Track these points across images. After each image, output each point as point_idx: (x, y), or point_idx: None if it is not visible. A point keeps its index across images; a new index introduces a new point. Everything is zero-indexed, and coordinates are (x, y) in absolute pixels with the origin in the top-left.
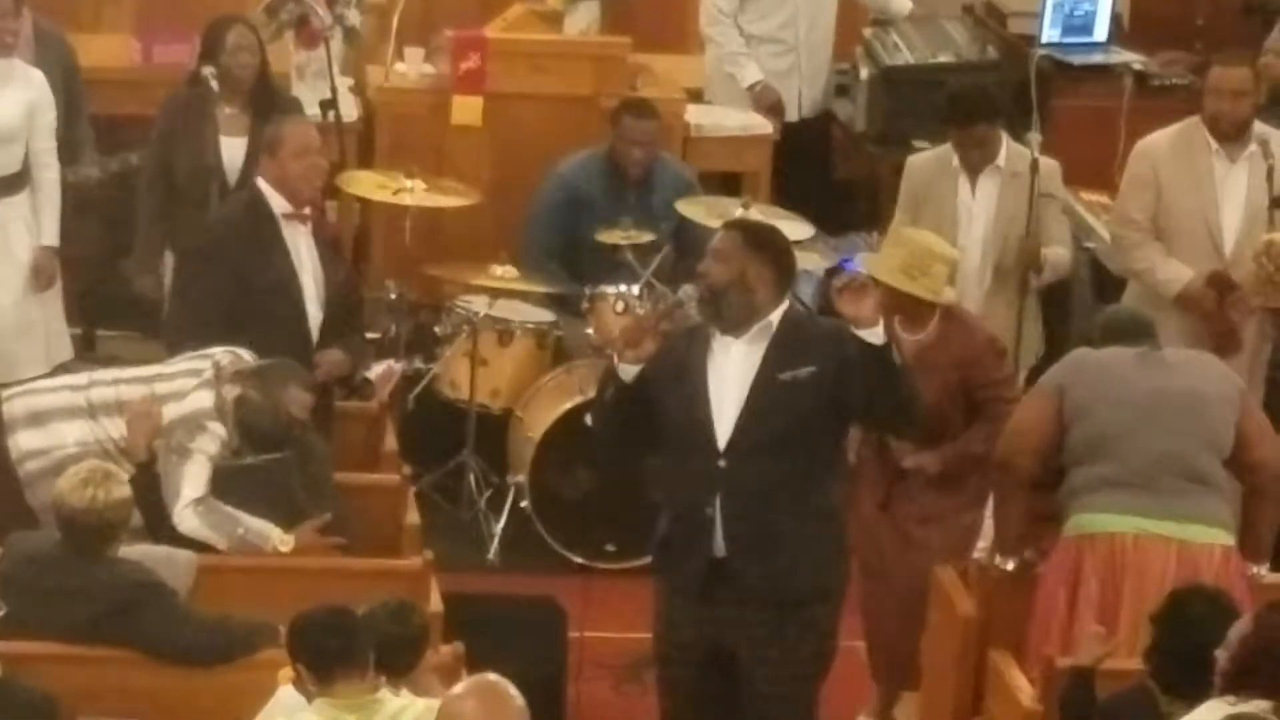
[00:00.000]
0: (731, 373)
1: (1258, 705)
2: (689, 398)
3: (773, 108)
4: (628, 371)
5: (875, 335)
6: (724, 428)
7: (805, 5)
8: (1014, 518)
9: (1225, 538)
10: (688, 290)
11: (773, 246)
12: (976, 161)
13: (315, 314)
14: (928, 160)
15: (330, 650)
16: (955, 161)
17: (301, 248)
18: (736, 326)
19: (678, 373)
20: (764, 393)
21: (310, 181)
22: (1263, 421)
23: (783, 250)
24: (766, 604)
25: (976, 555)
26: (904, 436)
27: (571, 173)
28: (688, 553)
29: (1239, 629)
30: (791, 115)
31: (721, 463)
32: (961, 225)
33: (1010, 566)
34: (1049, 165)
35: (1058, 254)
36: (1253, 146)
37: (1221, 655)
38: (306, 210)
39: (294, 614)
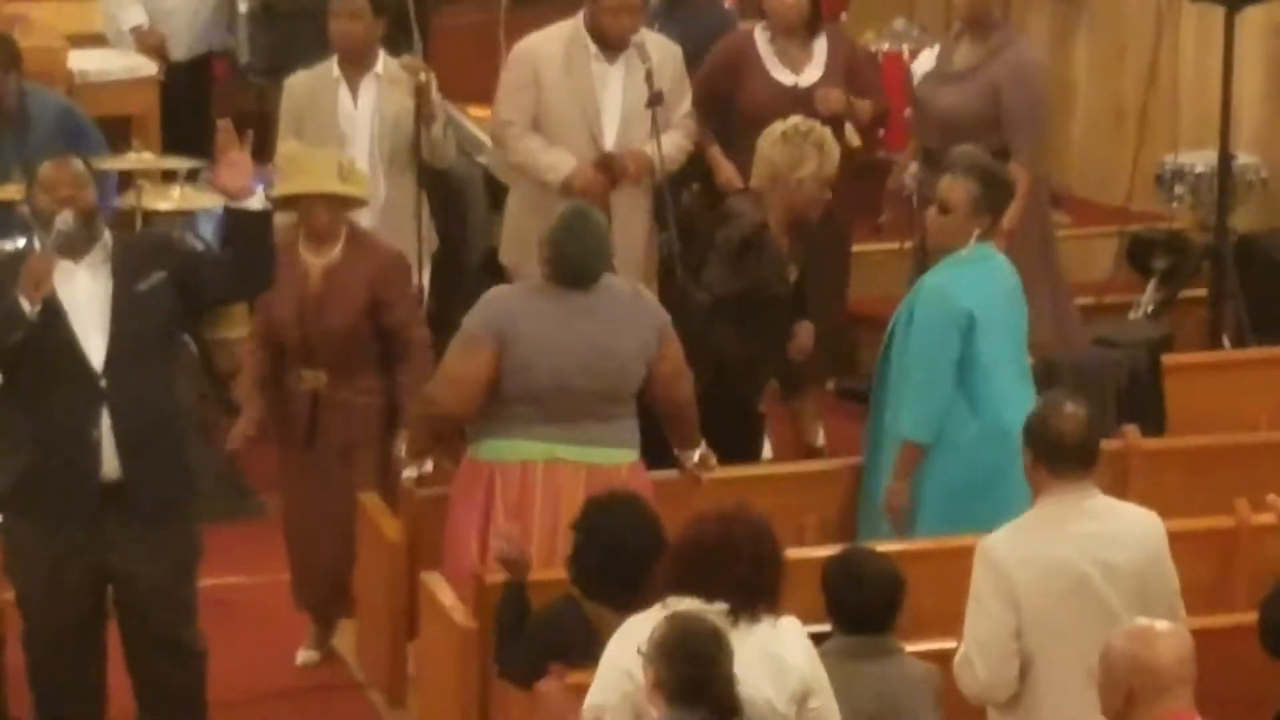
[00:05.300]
0: (83, 295)
1: (691, 604)
2: (47, 326)
3: (156, 49)
4: (34, 310)
5: (257, 200)
6: (96, 347)
7: None
8: (425, 435)
9: (630, 456)
10: (64, 218)
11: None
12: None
13: None
14: (305, 79)
15: None
16: (335, 73)
17: None
18: (86, 251)
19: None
20: (128, 306)
21: None
22: (676, 360)
23: None
24: (157, 518)
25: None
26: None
27: None
28: (74, 480)
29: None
30: (176, 54)
31: (103, 382)
32: (347, 135)
33: (413, 474)
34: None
35: None
36: (629, 48)
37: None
38: None
39: None
